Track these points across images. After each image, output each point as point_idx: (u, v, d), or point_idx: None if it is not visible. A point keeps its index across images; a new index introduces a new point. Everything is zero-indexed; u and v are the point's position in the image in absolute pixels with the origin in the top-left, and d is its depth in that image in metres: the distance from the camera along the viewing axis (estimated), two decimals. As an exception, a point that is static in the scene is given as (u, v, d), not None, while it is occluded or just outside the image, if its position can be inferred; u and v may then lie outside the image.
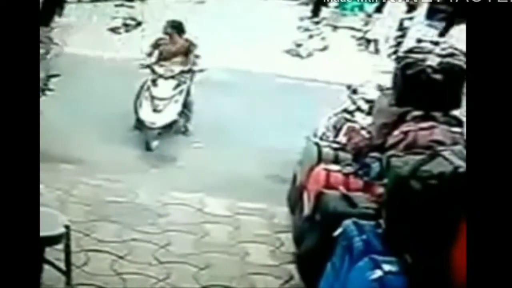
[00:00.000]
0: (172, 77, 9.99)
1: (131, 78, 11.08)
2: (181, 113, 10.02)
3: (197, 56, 10.37)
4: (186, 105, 10.16)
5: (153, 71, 10.07)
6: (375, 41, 17.34)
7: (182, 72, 10.09)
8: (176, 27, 10.43)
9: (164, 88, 9.90)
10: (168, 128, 9.82)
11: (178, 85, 9.99)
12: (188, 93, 10.17)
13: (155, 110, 9.67)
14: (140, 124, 9.71)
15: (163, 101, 9.76)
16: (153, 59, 10.33)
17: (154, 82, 9.94)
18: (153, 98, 9.77)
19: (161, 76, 9.99)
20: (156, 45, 10.46)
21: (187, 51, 10.36)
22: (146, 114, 9.66)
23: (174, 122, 9.88)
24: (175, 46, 10.38)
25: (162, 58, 10.30)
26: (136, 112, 9.78)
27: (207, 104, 10.73)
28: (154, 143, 9.52)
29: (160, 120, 9.63)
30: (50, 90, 8.30)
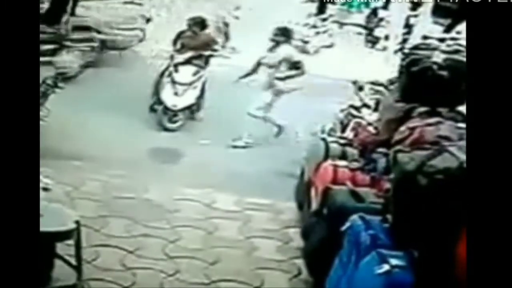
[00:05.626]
0: (188, 62, 10.67)
1: (140, 75, 11.22)
2: (199, 98, 10.65)
3: (215, 50, 11.07)
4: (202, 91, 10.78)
5: (172, 58, 10.84)
6: (386, 37, 17.36)
7: (193, 58, 10.74)
8: (199, 23, 11.07)
9: (185, 74, 10.61)
10: (186, 111, 10.50)
11: (197, 72, 10.67)
12: (205, 80, 10.80)
13: (176, 94, 10.40)
14: (160, 106, 10.38)
15: (183, 86, 10.46)
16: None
17: (175, 68, 10.62)
18: (174, 82, 10.46)
19: (179, 63, 10.66)
20: (178, 37, 11.15)
21: (207, 46, 10.98)
22: (167, 96, 10.39)
23: (191, 106, 10.55)
24: (196, 40, 10.95)
25: (183, 50, 10.91)
26: (157, 94, 10.54)
27: (214, 101, 10.82)
28: (172, 125, 10.27)
29: (180, 103, 10.38)
30: (59, 88, 8.33)
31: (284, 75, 10.05)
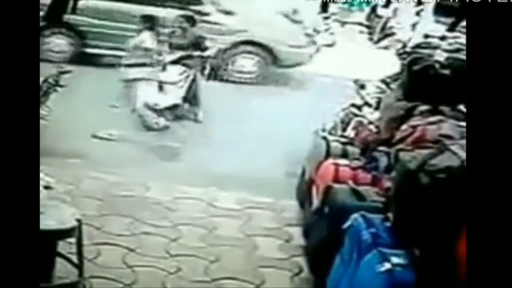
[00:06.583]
0: (176, 62, 10.52)
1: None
2: (185, 99, 10.53)
3: (205, 48, 10.90)
4: (193, 92, 10.64)
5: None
6: (389, 36, 17.35)
7: (182, 58, 10.57)
8: (188, 20, 10.91)
9: (171, 73, 10.48)
10: (171, 111, 10.37)
11: (184, 72, 10.54)
12: (194, 80, 10.66)
13: (159, 93, 10.30)
14: (144, 105, 10.22)
15: (168, 85, 10.38)
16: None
17: (163, 67, 10.47)
18: (160, 82, 10.35)
19: (168, 62, 10.51)
20: (168, 37, 10.90)
21: (196, 43, 10.79)
22: (150, 95, 10.22)
23: (176, 106, 10.43)
24: (184, 39, 10.76)
25: (171, 49, 10.72)
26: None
27: (216, 99, 10.82)
28: (156, 124, 10.08)
29: (163, 101, 10.25)
30: (61, 86, 8.32)
31: (132, 61, 10.09)
